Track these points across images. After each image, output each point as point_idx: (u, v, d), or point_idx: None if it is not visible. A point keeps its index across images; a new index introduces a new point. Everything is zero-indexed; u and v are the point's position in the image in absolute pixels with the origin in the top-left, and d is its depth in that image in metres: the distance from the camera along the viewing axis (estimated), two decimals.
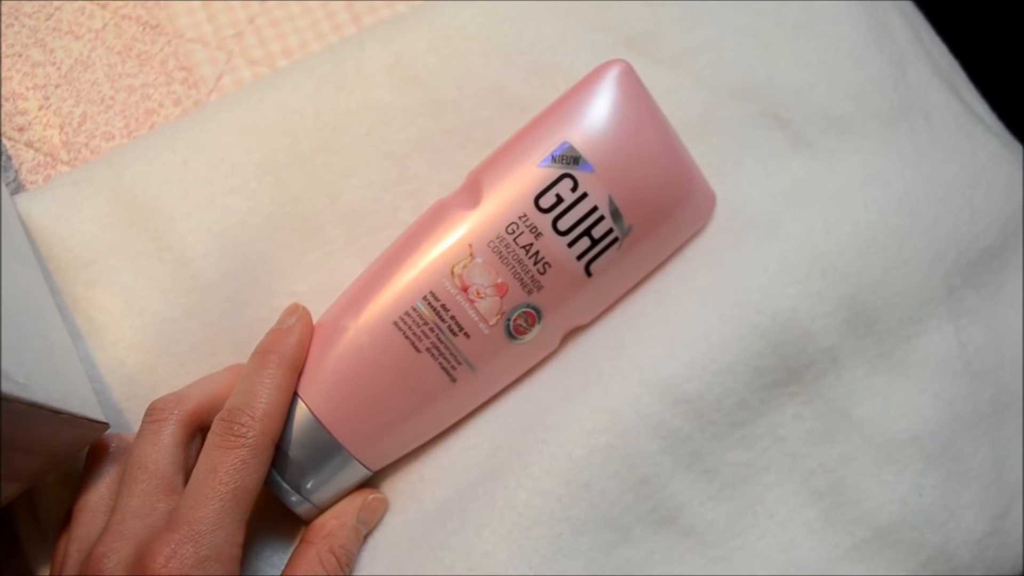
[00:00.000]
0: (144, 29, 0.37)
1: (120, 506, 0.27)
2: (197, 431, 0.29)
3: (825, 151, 0.34)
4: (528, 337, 0.30)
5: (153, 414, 0.28)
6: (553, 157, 0.30)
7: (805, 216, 0.33)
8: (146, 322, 0.31)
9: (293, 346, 0.29)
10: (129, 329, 0.31)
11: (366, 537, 0.30)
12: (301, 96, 0.33)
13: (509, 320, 0.30)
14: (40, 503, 0.30)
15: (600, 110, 0.30)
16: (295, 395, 0.29)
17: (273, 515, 0.31)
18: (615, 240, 0.30)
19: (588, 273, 0.30)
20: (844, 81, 0.35)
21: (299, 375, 0.29)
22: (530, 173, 0.30)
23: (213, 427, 0.28)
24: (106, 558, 0.25)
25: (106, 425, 0.28)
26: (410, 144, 0.34)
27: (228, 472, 0.26)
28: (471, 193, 0.31)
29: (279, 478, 0.29)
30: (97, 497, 0.28)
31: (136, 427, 0.30)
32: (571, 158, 0.30)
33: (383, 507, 0.31)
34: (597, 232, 0.30)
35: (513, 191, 0.30)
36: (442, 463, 0.31)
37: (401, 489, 0.31)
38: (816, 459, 0.32)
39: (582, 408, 0.30)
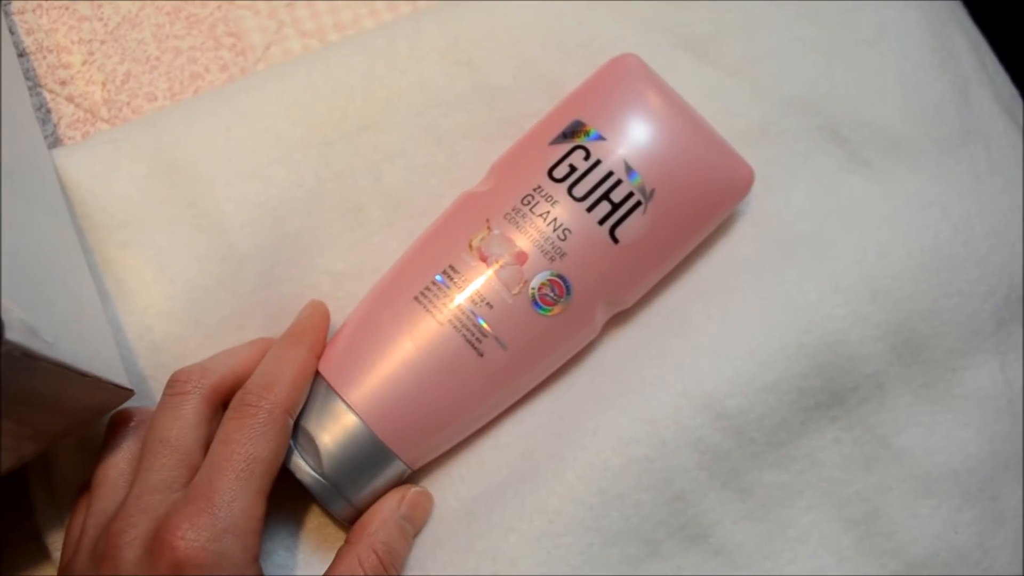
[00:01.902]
0: None
1: (140, 480, 0.26)
2: (219, 406, 0.28)
3: (882, 172, 0.34)
4: (558, 309, 0.29)
5: (175, 387, 0.28)
6: (564, 134, 0.30)
7: (859, 237, 0.32)
8: (178, 289, 0.30)
9: (310, 329, 0.30)
10: (160, 295, 0.30)
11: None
12: (352, 71, 0.33)
13: (533, 289, 0.29)
14: (54, 467, 0.30)
15: (609, 91, 0.31)
16: (334, 393, 0.28)
17: (299, 505, 0.30)
18: (638, 203, 0.29)
19: (615, 239, 0.29)
20: (906, 102, 0.34)
21: (318, 356, 0.29)
22: (542, 151, 0.30)
23: (230, 404, 0.27)
24: (124, 533, 0.25)
25: (131, 392, 0.28)
26: (460, 130, 0.33)
27: (239, 442, 0.26)
28: (490, 178, 0.31)
29: (321, 478, 0.28)
30: (117, 472, 0.27)
31: (159, 396, 0.29)
32: (582, 132, 0.30)
33: (427, 502, 0.29)
34: (616, 196, 0.29)
35: (527, 168, 0.30)
36: (470, 461, 0.30)
37: (425, 485, 0.31)
38: (852, 486, 0.31)
39: (621, 416, 0.29)
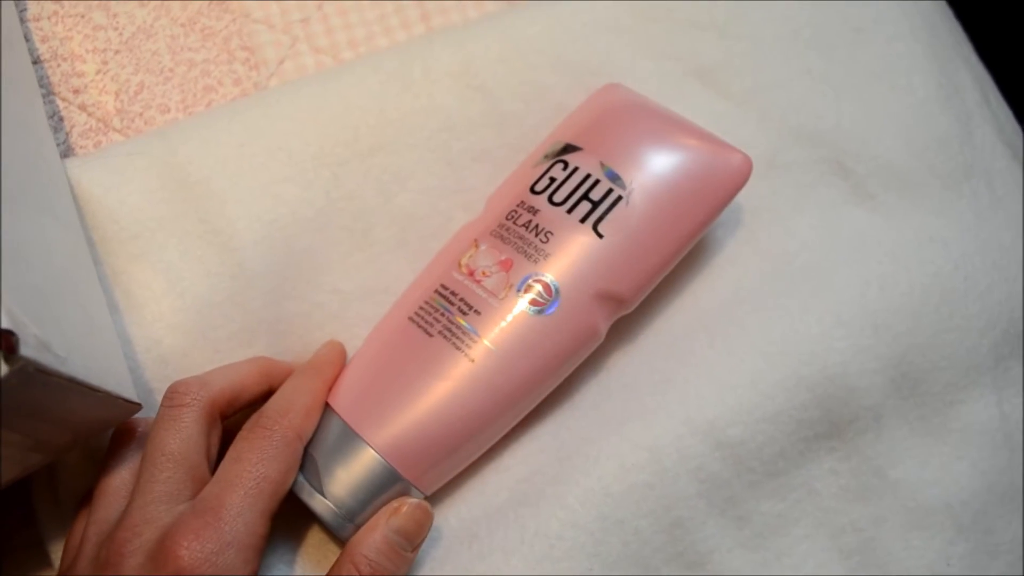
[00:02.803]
0: (210, 4, 0.37)
1: (143, 490, 0.26)
2: (217, 419, 0.28)
3: (886, 205, 0.34)
4: (549, 309, 0.29)
5: (174, 398, 0.28)
6: (545, 155, 0.31)
7: (861, 270, 0.32)
8: (187, 304, 0.30)
9: (327, 364, 0.30)
10: (169, 309, 0.30)
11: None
12: (365, 92, 0.33)
13: (519, 291, 0.29)
14: (60, 475, 0.30)
15: (589, 112, 0.32)
16: (345, 424, 0.29)
17: (301, 521, 0.30)
18: (619, 198, 0.30)
19: (599, 234, 0.30)
20: (911, 137, 0.35)
21: (330, 388, 0.30)
22: (525, 172, 0.32)
23: (245, 425, 0.28)
24: (128, 542, 0.25)
25: (139, 406, 0.28)
26: (471, 154, 0.33)
27: (251, 461, 0.26)
28: (484, 209, 0.32)
29: (335, 507, 0.28)
30: (119, 482, 0.28)
31: None
32: (561, 149, 0.31)
33: (423, 515, 0.28)
34: (595, 194, 0.30)
35: (511, 189, 0.31)
36: (472, 482, 0.31)
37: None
38: (848, 516, 0.31)
39: (623, 442, 0.29)
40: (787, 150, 0.35)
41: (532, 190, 0.31)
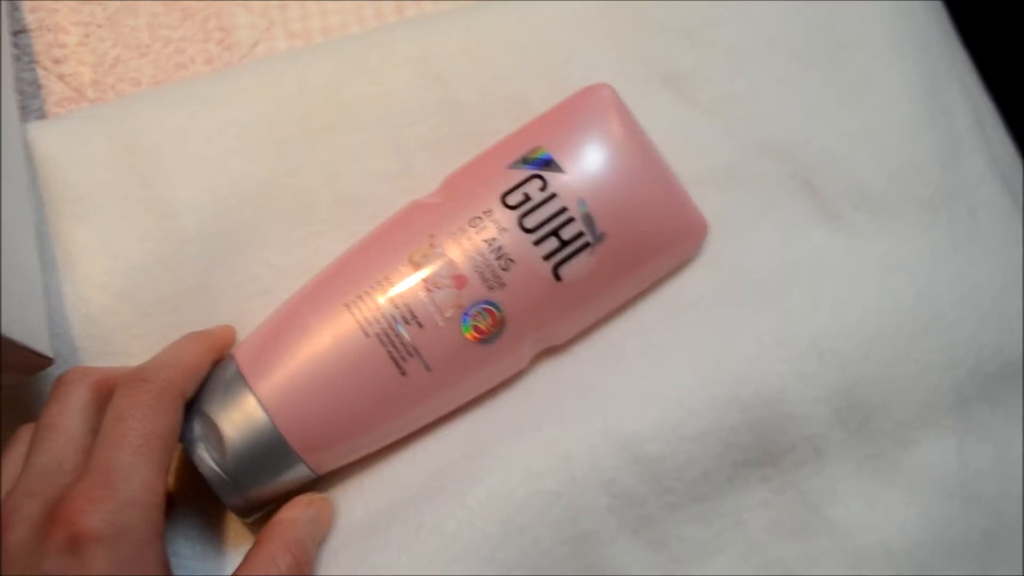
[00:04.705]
0: None
1: (28, 464, 0.26)
2: (107, 397, 0.28)
3: (852, 227, 0.32)
4: (490, 341, 0.28)
5: (62, 378, 0.28)
6: (524, 159, 0.29)
7: (813, 291, 0.30)
8: (118, 265, 0.31)
9: (220, 338, 0.30)
10: (100, 269, 0.31)
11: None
12: (322, 74, 0.33)
13: (467, 315, 0.28)
14: None
15: (577, 121, 0.30)
16: (246, 385, 0.28)
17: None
18: (587, 244, 0.29)
19: (557, 277, 0.29)
20: (887, 157, 0.33)
21: (215, 362, 0.29)
22: (499, 172, 0.30)
23: (121, 383, 0.27)
24: (11, 514, 0.24)
25: (50, 360, 0.28)
26: (419, 141, 0.33)
27: (135, 417, 0.26)
28: (441, 191, 0.30)
29: (217, 467, 0.28)
30: (18, 458, 0.27)
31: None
32: (542, 161, 0.29)
33: (332, 512, 0.29)
34: (566, 234, 0.29)
35: (480, 188, 0.29)
36: (383, 474, 0.30)
37: (336, 494, 0.30)
38: (776, 552, 0.29)
39: (534, 447, 0.28)
40: (751, 162, 0.33)
41: (504, 201, 0.29)
